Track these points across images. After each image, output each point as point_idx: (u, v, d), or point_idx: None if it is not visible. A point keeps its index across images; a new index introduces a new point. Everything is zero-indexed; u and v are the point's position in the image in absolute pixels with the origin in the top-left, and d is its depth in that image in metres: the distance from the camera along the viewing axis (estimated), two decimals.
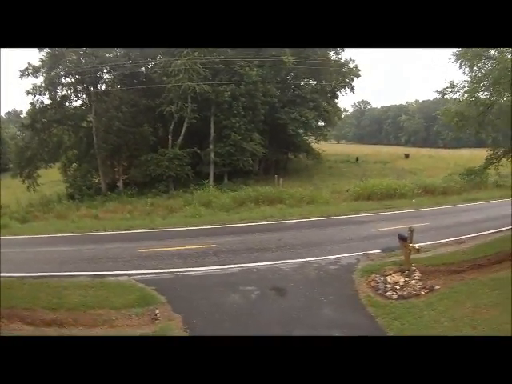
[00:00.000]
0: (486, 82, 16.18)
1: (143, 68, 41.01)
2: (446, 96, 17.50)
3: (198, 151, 39.63)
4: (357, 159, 60.54)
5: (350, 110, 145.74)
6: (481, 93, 16.42)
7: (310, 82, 49.21)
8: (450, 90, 17.12)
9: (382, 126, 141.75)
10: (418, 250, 14.52)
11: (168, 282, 14.35)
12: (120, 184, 38.91)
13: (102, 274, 14.72)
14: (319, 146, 54.02)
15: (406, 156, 65.58)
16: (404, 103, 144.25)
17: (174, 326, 11.51)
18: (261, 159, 44.50)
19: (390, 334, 11.07)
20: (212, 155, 39.69)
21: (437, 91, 17.77)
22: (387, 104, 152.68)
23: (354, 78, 51.15)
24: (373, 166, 54.30)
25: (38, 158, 37.37)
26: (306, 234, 20.70)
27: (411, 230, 14.59)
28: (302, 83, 48.35)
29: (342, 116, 75.75)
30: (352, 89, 51.90)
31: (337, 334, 10.95)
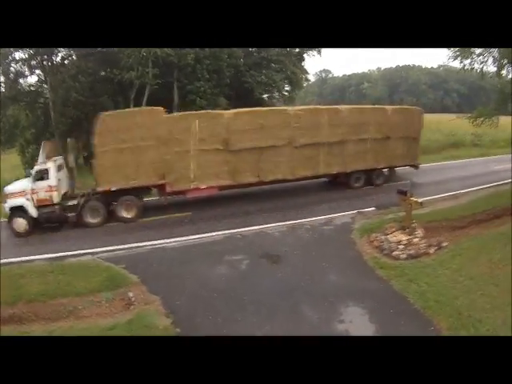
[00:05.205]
0: None
1: None
2: None
3: None
4: None
5: (312, 79, 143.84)
6: None
7: None
8: None
9: (345, 94, 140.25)
10: (421, 204, 13.05)
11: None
12: (80, 160, 36.51)
13: (61, 256, 12.58)
14: None
15: None
16: (366, 71, 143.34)
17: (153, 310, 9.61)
18: None
19: (409, 298, 9.73)
20: None
21: None
22: (349, 72, 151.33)
23: None
24: None
25: None
26: None
27: (410, 183, 13.14)
28: None
29: (308, 82, 74.06)
30: (319, 51, 50.16)
31: (351, 304, 9.75)
